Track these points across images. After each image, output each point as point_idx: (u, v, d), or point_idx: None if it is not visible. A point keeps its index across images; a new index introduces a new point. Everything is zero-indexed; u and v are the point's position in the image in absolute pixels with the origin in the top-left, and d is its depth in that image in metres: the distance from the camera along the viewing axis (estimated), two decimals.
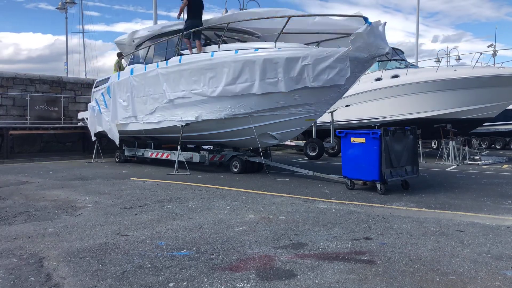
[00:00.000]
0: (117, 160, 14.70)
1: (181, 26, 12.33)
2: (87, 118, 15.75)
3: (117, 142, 13.77)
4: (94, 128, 14.79)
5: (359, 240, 5.06)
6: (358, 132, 8.60)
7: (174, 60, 11.47)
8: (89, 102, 16.97)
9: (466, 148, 14.73)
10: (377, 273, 3.98)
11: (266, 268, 4.09)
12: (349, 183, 8.83)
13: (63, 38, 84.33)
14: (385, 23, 9.08)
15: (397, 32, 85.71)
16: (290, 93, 9.65)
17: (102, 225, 5.81)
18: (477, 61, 15.11)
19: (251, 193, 8.36)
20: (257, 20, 10.98)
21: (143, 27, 14.85)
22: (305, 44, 10.71)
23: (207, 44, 11.36)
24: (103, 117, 14.04)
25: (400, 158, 8.52)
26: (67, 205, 7.26)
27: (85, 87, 19.41)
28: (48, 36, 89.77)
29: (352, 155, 8.58)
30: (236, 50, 10.18)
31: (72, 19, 56.21)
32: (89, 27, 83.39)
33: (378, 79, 16.56)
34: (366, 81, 16.29)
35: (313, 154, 15.89)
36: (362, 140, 8.39)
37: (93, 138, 15.18)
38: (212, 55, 10.52)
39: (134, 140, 14.48)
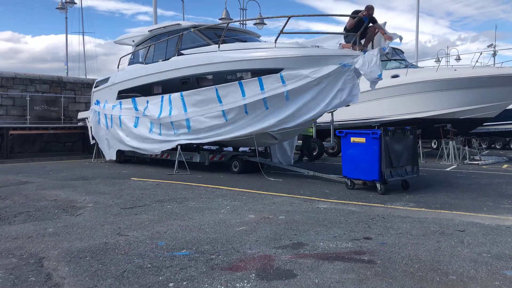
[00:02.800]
0: (117, 160, 14.70)
1: (181, 26, 12.35)
2: (88, 121, 15.82)
3: (107, 158, 14.61)
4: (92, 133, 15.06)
5: (359, 240, 5.06)
6: (358, 132, 8.61)
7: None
8: (89, 101, 17.00)
9: (466, 148, 14.73)
10: (377, 273, 3.97)
11: (266, 268, 4.09)
12: (349, 183, 8.83)
13: (97, 41, 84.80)
14: (385, 23, 9.17)
15: (425, 35, 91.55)
16: None
17: (102, 225, 5.81)
18: (477, 61, 15.12)
19: (251, 193, 8.36)
20: None
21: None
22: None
23: (207, 44, 11.37)
24: (113, 131, 14.05)
25: (400, 158, 8.52)
26: (67, 205, 7.26)
27: (85, 87, 19.41)
28: (100, 40, 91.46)
29: (352, 155, 8.58)
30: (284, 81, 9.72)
31: (122, 21, 56.08)
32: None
33: None
34: (366, 81, 16.26)
35: (313, 154, 15.88)
36: (362, 140, 8.39)
37: (92, 141, 15.36)
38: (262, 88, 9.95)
39: None
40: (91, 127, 15.17)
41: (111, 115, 13.78)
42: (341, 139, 8.81)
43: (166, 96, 11.65)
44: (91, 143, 15.48)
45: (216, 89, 10.45)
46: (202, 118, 10.92)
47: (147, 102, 12.36)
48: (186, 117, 11.21)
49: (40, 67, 75.23)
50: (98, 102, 14.95)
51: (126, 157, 14.52)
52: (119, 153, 14.47)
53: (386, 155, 8.15)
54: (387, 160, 8.18)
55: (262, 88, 9.74)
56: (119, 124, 13.47)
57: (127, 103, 13.29)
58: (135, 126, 12.79)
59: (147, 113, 12.18)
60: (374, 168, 8.17)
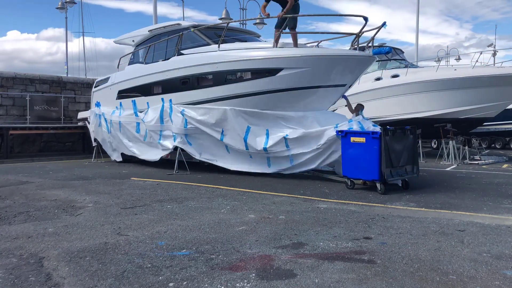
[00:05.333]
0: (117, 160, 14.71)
1: (181, 26, 12.35)
2: (88, 121, 15.82)
3: (112, 158, 14.73)
4: (95, 135, 15.07)
5: (359, 239, 5.06)
6: (358, 131, 8.60)
7: None
8: (89, 102, 16.99)
9: (466, 147, 14.72)
10: (377, 272, 3.97)
11: (266, 268, 4.09)
12: (349, 183, 8.83)
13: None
14: (384, 23, 9.21)
15: (449, 38, 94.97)
16: None
17: (102, 225, 5.81)
18: (476, 61, 15.11)
19: (251, 193, 8.36)
20: None
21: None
22: (305, 44, 10.75)
23: (207, 44, 11.37)
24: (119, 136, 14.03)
25: (400, 157, 8.52)
26: (67, 205, 7.26)
27: (85, 87, 19.41)
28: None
29: (352, 155, 8.57)
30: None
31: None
32: None
33: (378, 79, 16.55)
34: (366, 81, 16.28)
35: None
36: (362, 139, 8.39)
37: (94, 143, 15.40)
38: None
39: None
40: (93, 130, 15.16)
41: (111, 120, 13.82)
42: (341, 139, 8.80)
43: (167, 105, 11.65)
44: (93, 145, 15.48)
45: (223, 130, 10.66)
46: (204, 140, 11.19)
47: (147, 104, 12.36)
48: (185, 132, 11.33)
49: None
50: (98, 104, 14.94)
51: (126, 157, 14.53)
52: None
53: (386, 155, 8.15)
54: (387, 160, 8.18)
55: (266, 148, 10.12)
56: (119, 129, 13.53)
57: (127, 107, 13.30)
58: (138, 132, 12.86)
59: (147, 120, 12.22)
60: (374, 168, 8.17)
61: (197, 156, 11.43)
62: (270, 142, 10.02)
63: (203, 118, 10.74)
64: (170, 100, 11.55)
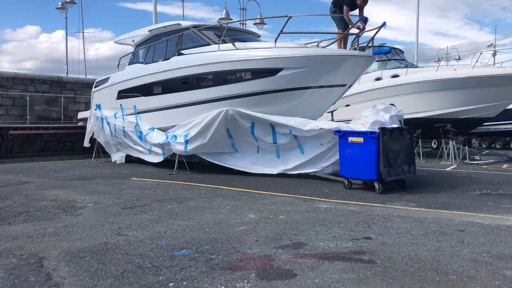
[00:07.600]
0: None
1: (181, 26, 12.35)
2: (88, 119, 15.78)
3: (113, 160, 14.73)
4: (98, 137, 15.06)
5: (359, 239, 5.07)
6: (356, 131, 8.60)
7: None
8: (89, 102, 16.96)
9: (466, 147, 14.72)
10: (377, 272, 3.98)
11: (266, 268, 4.09)
12: (346, 183, 8.82)
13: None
14: (384, 23, 9.22)
15: (467, 41, 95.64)
16: None
17: (102, 225, 5.81)
18: (477, 61, 15.11)
19: (251, 193, 8.36)
20: None
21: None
22: (305, 44, 10.77)
23: (207, 44, 11.37)
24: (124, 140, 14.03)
25: (398, 157, 8.52)
26: (67, 205, 7.26)
27: (85, 87, 19.42)
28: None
29: (350, 155, 8.58)
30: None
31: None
32: None
33: (378, 79, 16.55)
34: (366, 81, 16.28)
35: None
36: (360, 139, 8.40)
37: (87, 145, 15.39)
38: None
39: None
40: (93, 132, 15.11)
41: (114, 124, 13.83)
42: (339, 138, 8.80)
43: (170, 134, 11.68)
44: (86, 146, 15.46)
45: (228, 129, 10.69)
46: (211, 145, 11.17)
47: (152, 129, 12.43)
48: (186, 154, 11.46)
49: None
50: (99, 106, 14.92)
51: (128, 158, 14.54)
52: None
53: (384, 155, 8.15)
54: (385, 160, 8.18)
55: (275, 141, 10.33)
56: (123, 135, 13.57)
57: (127, 107, 13.30)
58: (141, 141, 12.89)
59: (150, 139, 12.27)
60: (372, 167, 8.17)
61: (205, 159, 11.53)
62: (278, 135, 10.24)
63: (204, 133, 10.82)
64: (175, 136, 11.53)
